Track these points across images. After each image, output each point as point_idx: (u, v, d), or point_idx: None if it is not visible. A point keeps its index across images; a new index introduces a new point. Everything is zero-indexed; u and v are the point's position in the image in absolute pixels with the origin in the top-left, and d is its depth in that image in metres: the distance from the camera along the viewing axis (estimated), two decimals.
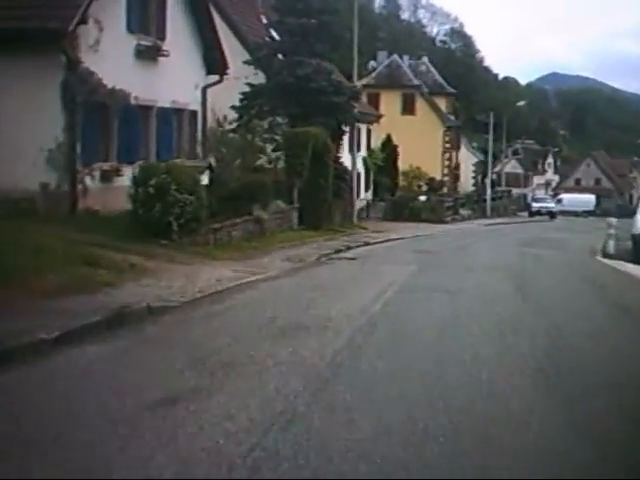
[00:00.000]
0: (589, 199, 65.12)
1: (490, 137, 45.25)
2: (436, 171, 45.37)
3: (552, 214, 49.48)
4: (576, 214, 58.32)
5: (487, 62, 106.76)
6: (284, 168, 20.85)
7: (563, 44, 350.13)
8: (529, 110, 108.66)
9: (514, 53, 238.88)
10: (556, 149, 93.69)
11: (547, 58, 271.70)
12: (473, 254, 19.12)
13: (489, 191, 44.95)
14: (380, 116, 38.19)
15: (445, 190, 45.73)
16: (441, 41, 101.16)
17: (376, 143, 37.44)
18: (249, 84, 22.82)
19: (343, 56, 28.49)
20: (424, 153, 42.69)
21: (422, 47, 79.36)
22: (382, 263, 15.52)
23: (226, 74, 19.02)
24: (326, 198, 22.01)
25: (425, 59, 54.34)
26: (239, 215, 16.18)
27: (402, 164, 39.93)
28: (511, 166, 75.21)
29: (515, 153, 79.29)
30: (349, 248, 18.49)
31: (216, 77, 18.87)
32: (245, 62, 23.08)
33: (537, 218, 47.77)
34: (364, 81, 46.92)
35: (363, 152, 33.20)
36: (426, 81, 48.74)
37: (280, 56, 24.01)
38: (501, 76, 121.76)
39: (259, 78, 23.43)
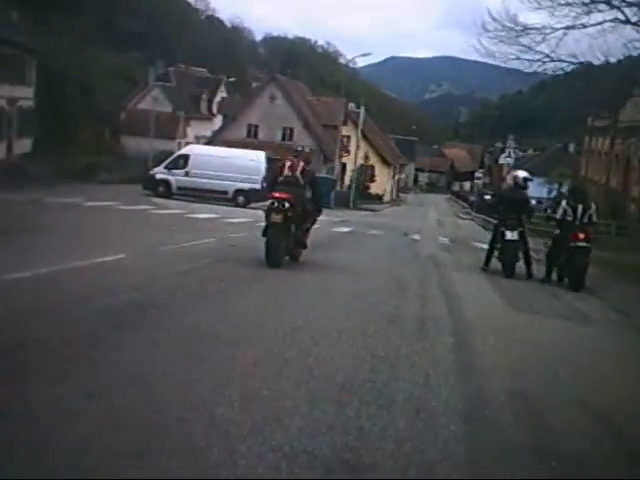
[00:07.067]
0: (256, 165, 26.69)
1: None
2: None
3: None
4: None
5: None
6: None
7: (277, 10, 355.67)
8: (226, 47, 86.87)
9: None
10: (232, 79, 63.08)
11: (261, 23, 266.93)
12: None
13: None
14: None
15: None
16: None
17: None
18: None
19: None
20: None
21: None
22: None
23: None
24: None
25: None
26: None
27: None
28: (152, 100, 49.02)
29: (163, 79, 53.65)
30: None
31: None
32: None
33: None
34: None
35: None
36: None
37: None
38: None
39: None
